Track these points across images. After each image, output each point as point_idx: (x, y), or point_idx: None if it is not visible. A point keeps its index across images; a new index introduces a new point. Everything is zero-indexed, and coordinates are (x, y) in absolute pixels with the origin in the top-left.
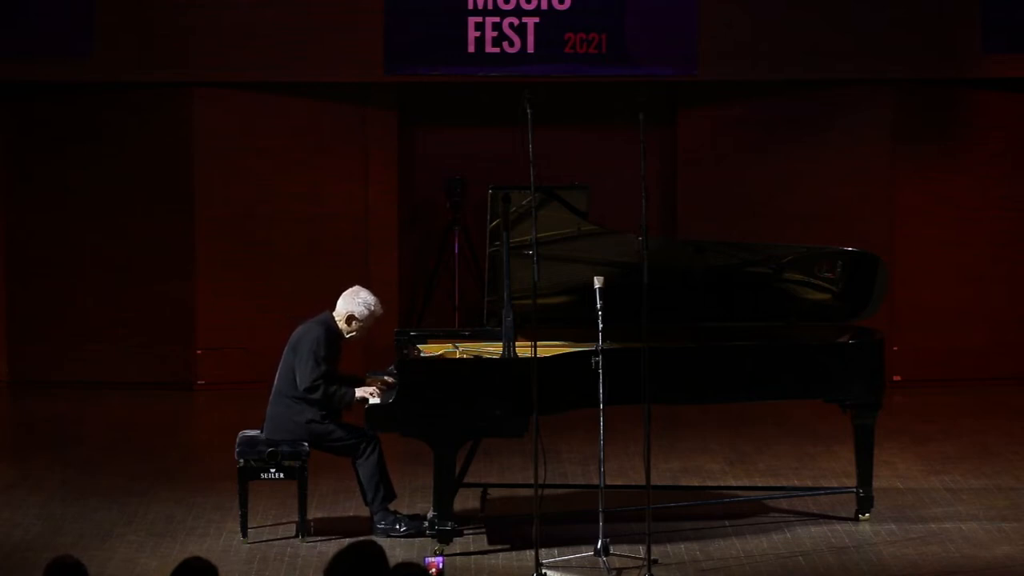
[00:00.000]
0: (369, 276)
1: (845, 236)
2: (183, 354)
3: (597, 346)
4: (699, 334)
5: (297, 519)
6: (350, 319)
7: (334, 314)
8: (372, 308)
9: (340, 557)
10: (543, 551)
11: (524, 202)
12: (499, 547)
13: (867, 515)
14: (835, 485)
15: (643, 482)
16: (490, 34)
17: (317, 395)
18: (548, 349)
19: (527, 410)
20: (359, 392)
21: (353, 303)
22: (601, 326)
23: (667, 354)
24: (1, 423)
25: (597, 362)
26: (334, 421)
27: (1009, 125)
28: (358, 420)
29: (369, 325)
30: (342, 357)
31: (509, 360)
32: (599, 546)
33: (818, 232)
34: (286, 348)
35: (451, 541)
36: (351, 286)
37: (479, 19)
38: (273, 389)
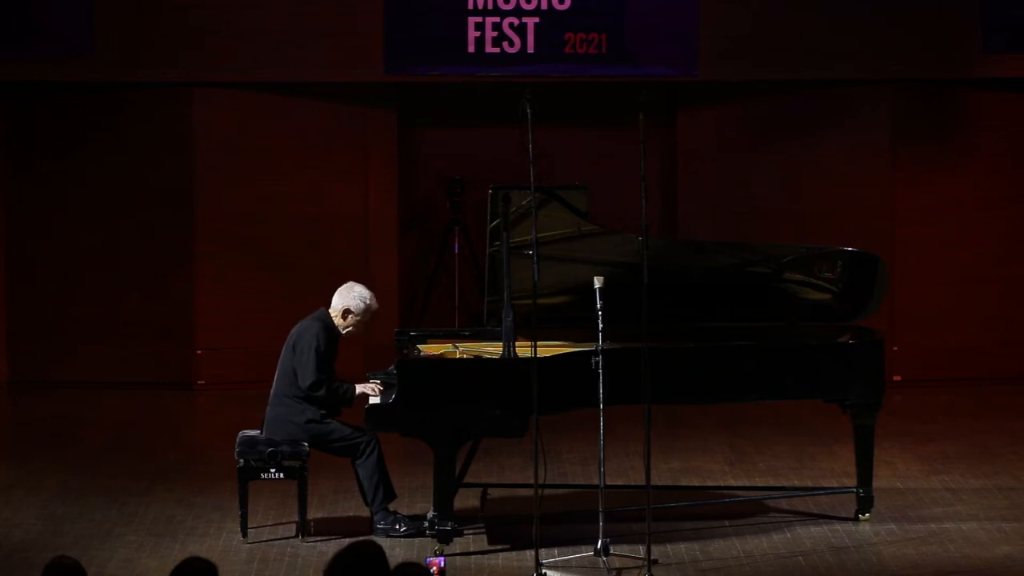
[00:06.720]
0: (369, 276)
1: (845, 236)
2: (183, 354)
3: (597, 346)
4: (699, 334)
5: (297, 519)
6: (346, 313)
7: (330, 310)
8: (367, 302)
9: (340, 557)
10: (543, 551)
11: (524, 202)
12: (499, 547)
13: (867, 515)
14: (835, 485)
15: (643, 482)
16: (490, 34)
17: (321, 392)
18: (548, 349)
19: (527, 410)
20: (360, 388)
21: (348, 297)
22: (601, 326)
23: (667, 354)
24: (1, 423)
25: (597, 362)
26: (334, 421)
27: (1009, 125)
28: (358, 420)
29: (366, 320)
30: (340, 356)
31: (509, 360)
32: (599, 546)
33: (818, 232)
34: (284, 348)
35: (451, 541)
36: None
37: (479, 19)
38: (272, 391)
